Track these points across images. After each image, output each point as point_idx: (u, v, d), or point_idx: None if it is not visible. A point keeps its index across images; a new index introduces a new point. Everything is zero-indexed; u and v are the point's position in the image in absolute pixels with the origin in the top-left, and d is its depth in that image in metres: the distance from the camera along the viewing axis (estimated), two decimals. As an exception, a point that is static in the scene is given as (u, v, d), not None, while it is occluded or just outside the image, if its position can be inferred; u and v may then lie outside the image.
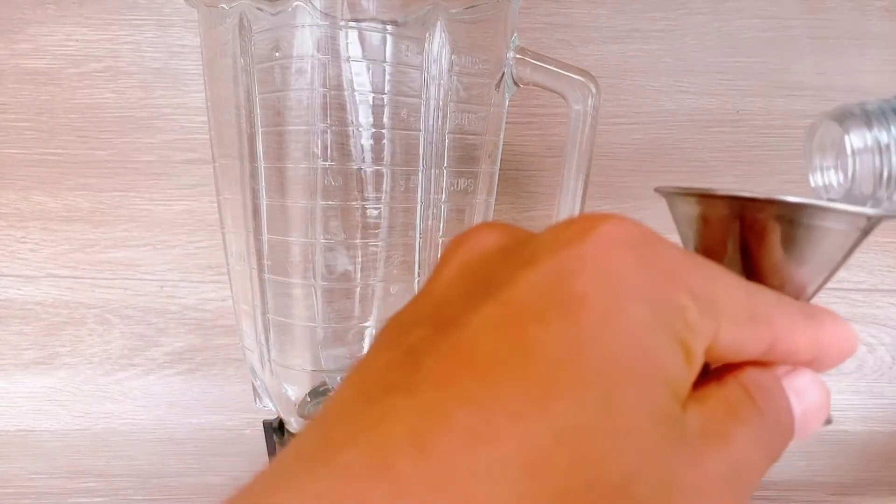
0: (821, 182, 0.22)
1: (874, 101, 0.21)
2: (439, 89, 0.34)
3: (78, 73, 0.48)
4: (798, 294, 0.20)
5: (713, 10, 0.50)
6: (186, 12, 0.46)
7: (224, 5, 0.33)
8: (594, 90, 0.36)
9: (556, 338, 0.14)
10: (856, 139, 0.21)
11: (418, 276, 0.36)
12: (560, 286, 0.15)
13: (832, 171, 0.22)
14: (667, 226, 0.55)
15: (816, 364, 0.19)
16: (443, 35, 0.33)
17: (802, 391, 0.18)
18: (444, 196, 0.36)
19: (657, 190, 0.21)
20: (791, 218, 0.19)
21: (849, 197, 0.21)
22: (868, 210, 0.19)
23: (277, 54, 0.34)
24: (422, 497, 0.12)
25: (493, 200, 0.39)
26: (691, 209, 0.21)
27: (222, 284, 0.49)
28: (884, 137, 0.21)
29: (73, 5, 0.48)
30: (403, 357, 0.15)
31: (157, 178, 0.49)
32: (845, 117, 0.21)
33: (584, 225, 0.16)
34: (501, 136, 0.38)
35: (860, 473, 0.46)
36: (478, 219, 0.38)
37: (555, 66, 0.36)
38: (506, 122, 0.38)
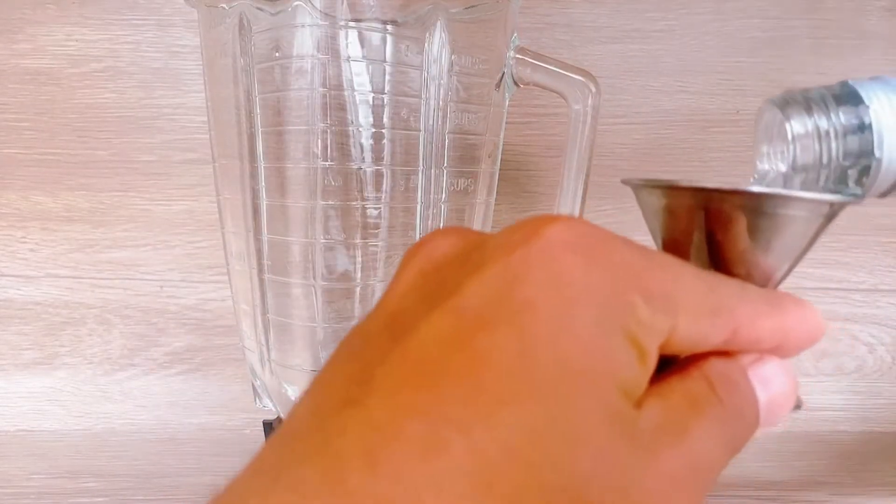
0: (766, 167, 0.22)
1: (816, 88, 0.21)
2: (439, 89, 0.34)
3: (78, 73, 0.48)
4: (764, 282, 0.20)
5: (713, 10, 0.50)
6: (186, 12, 0.46)
7: (224, 5, 0.33)
8: (594, 90, 0.36)
9: (503, 345, 0.14)
10: (796, 125, 0.21)
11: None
12: (507, 292, 0.15)
13: (777, 157, 0.22)
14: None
15: (783, 350, 0.19)
16: (443, 35, 0.33)
17: (768, 379, 0.18)
18: (444, 196, 0.36)
19: (624, 182, 0.21)
20: (755, 207, 0.19)
21: (790, 182, 0.22)
22: (830, 197, 0.20)
23: (277, 54, 0.34)
24: None
25: (493, 200, 0.39)
26: (657, 201, 0.21)
27: (222, 284, 0.49)
28: (823, 124, 0.21)
29: (73, 5, 0.48)
30: (358, 370, 0.15)
31: (156, 178, 0.49)
32: (787, 104, 0.21)
33: (531, 228, 0.16)
34: (501, 136, 0.38)
35: (860, 473, 0.46)
36: (478, 219, 0.38)
37: (555, 66, 0.36)
38: (506, 122, 0.38)
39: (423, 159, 0.35)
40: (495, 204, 0.39)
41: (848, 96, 0.21)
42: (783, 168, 0.22)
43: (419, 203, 0.35)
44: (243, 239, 0.36)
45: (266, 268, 0.35)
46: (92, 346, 0.50)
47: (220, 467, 0.45)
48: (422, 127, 0.34)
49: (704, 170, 0.50)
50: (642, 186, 0.21)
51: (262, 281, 0.36)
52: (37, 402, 0.49)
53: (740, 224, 0.19)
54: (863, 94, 0.20)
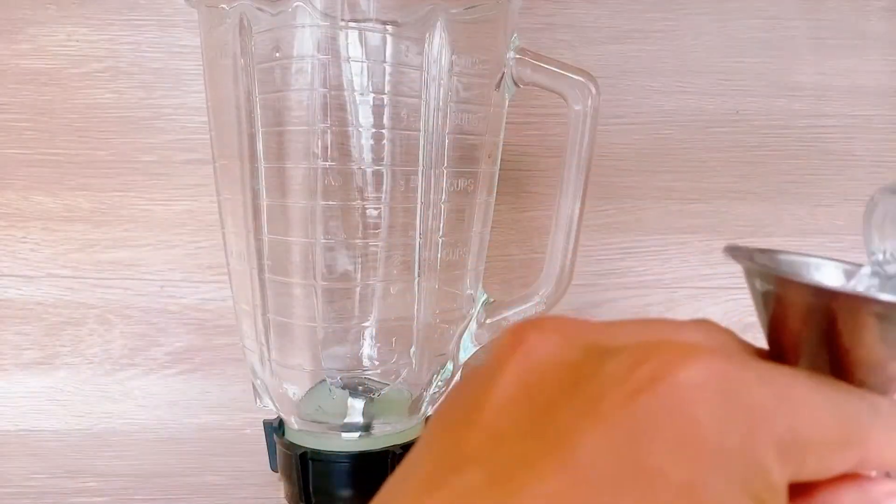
0: (881, 257, 0.20)
1: None
2: (439, 89, 0.34)
3: (78, 74, 0.48)
4: (887, 386, 0.18)
5: (713, 10, 0.50)
6: (187, 13, 0.46)
7: (224, 6, 0.33)
8: (594, 90, 0.36)
9: None
10: None
11: (418, 275, 0.36)
12: (633, 455, 0.14)
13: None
14: (666, 227, 0.55)
15: None
16: (443, 35, 0.33)
17: None
18: (444, 196, 0.36)
19: (726, 252, 0.19)
20: (888, 315, 0.17)
21: None
22: None
23: (278, 54, 0.34)
24: None
25: (493, 200, 0.39)
26: (767, 286, 0.19)
27: (223, 284, 0.49)
28: None
29: (74, 6, 0.48)
30: None
31: (157, 178, 0.49)
32: None
33: (660, 364, 0.15)
34: (501, 137, 0.38)
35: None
36: (478, 219, 0.38)
37: (555, 67, 0.36)
38: (506, 123, 0.39)
39: (423, 159, 0.35)
40: (495, 204, 0.39)
41: None
42: None
43: (419, 203, 0.35)
44: (244, 239, 0.36)
45: (266, 268, 0.35)
46: (92, 345, 0.50)
47: (220, 467, 0.45)
48: (422, 127, 0.34)
49: (704, 170, 0.50)
50: (753, 270, 0.19)
51: (262, 281, 0.36)
52: (37, 401, 0.49)
53: (868, 329, 0.17)
54: None
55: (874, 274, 0.20)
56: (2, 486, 0.43)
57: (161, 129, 0.49)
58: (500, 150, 0.39)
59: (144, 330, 0.50)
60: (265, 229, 0.35)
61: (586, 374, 0.15)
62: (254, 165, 0.35)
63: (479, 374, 0.17)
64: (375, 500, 0.15)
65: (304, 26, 0.33)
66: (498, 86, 0.36)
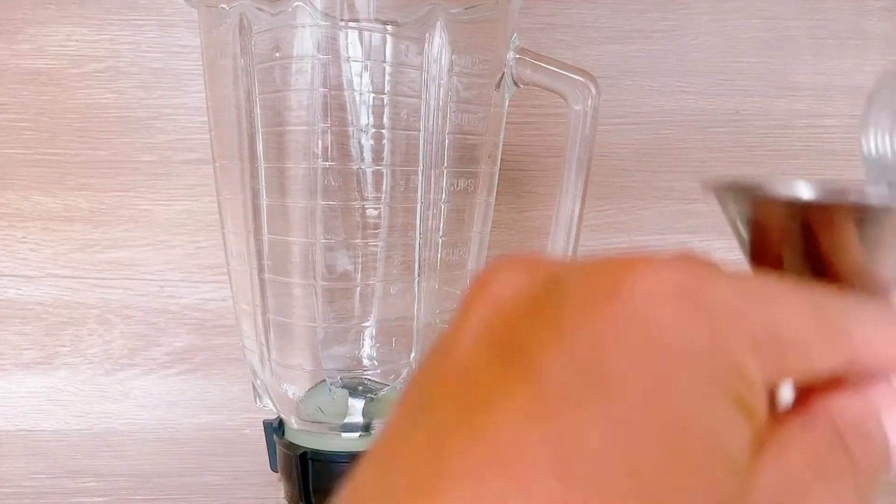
0: (873, 147, 0.20)
1: None
2: (439, 89, 0.34)
3: (78, 74, 0.48)
4: (880, 291, 0.17)
5: (713, 10, 0.50)
6: (187, 13, 0.46)
7: (224, 5, 0.33)
8: (594, 90, 0.36)
9: (593, 430, 0.13)
10: None
11: (418, 275, 0.36)
12: (595, 365, 0.13)
13: (888, 139, 0.19)
14: (666, 227, 0.55)
15: None
16: (443, 35, 0.33)
17: None
18: (443, 196, 0.36)
19: (703, 184, 0.19)
20: (870, 218, 0.16)
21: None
22: None
23: (277, 54, 0.34)
24: None
25: (492, 200, 0.39)
26: (744, 209, 0.18)
27: (223, 284, 0.49)
28: None
29: (74, 6, 0.48)
30: (426, 447, 0.14)
31: (157, 178, 0.49)
32: None
33: (617, 275, 0.14)
34: (501, 137, 0.38)
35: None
36: (478, 219, 0.38)
37: (555, 67, 0.36)
38: (506, 123, 0.39)
39: (423, 159, 0.35)
40: (495, 204, 0.39)
41: None
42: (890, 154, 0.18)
43: (419, 203, 0.35)
44: (243, 239, 0.36)
45: (266, 268, 0.35)
46: (92, 345, 0.50)
47: (220, 467, 0.45)
48: (422, 127, 0.34)
49: (704, 170, 0.50)
50: (726, 191, 0.18)
51: (262, 281, 0.36)
52: (37, 401, 0.49)
53: (851, 234, 0.16)
54: None
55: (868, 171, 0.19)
56: (2, 486, 0.43)
57: (161, 129, 0.49)
58: (500, 150, 0.39)
59: (144, 330, 0.50)
60: (265, 229, 0.35)
61: (549, 298, 0.15)
62: (254, 165, 0.35)
63: (447, 329, 0.17)
64: (357, 468, 0.15)
65: (304, 26, 0.33)
66: (498, 86, 0.36)
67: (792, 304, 0.15)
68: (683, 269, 0.15)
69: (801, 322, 0.15)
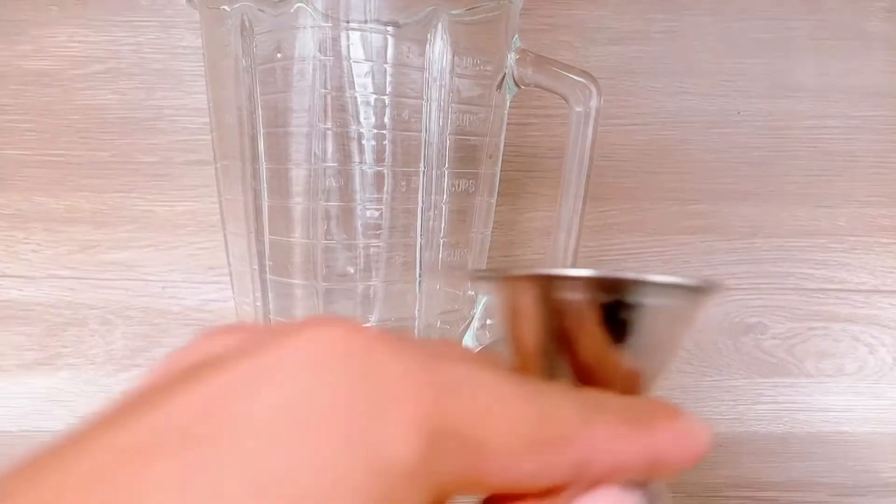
0: None
1: None
2: (441, 90, 0.34)
3: (80, 75, 0.48)
4: (632, 386, 0.16)
5: (715, 11, 0.50)
6: (188, 14, 0.46)
7: (225, 7, 0.33)
8: (595, 91, 0.36)
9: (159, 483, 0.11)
10: None
11: (419, 276, 0.36)
12: (203, 417, 0.12)
13: None
14: (667, 228, 0.55)
15: (658, 471, 0.15)
16: (444, 36, 0.33)
17: None
18: (445, 197, 0.36)
19: (469, 276, 0.18)
20: (605, 299, 0.15)
21: None
22: (693, 281, 0.16)
23: (279, 55, 0.34)
24: None
25: (494, 201, 0.39)
26: (496, 294, 0.17)
27: (224, 285, 0.49)
28: None
29: (76, 7, 0.48)
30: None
31: (159, 179, 0.49)
32: None
33: (294, 329, 0.13)
34: (503, 137, 0.39)
35: (860, 474, 0.46)
36: (479, 220, 0.38)
37: (556, 68, 0.36)
38: (507, 123, 0.39)
39: (425, 160, 0.35)
40: (496, 205, 0.39)
41: None
42: None
43: (420, 204, 0.35)
44: (245, 240, 0.36)
45: (268, 269, 0.36)
46: (94, 346, 0.50)
47: (222, 468, 0.45)
48: (423, 128, 0.34)
49: (705, 171, 0.50)
50: (479, 279, 0.18)
51: (263, 282, 0.36)
52: (40, 402, 0.50)
53: (592, 317, 0.15)
54: None
55: None
56: (3, 487, 0.43)
57: (162, 130, 0.49)
58: (502, 150, 0.39)
59: (146, 331, 0.50)
60: (266, 230, 0.35)
61: (228, 354, 0.14)
62: (255, 166, 0.35)
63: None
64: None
65: (305, 27, 0.33)
66: (499, 87, 0.36)
67: (506, 398, 0.14)
68: (361, 334, 0.13)
69: (510, 422, 0.13)
